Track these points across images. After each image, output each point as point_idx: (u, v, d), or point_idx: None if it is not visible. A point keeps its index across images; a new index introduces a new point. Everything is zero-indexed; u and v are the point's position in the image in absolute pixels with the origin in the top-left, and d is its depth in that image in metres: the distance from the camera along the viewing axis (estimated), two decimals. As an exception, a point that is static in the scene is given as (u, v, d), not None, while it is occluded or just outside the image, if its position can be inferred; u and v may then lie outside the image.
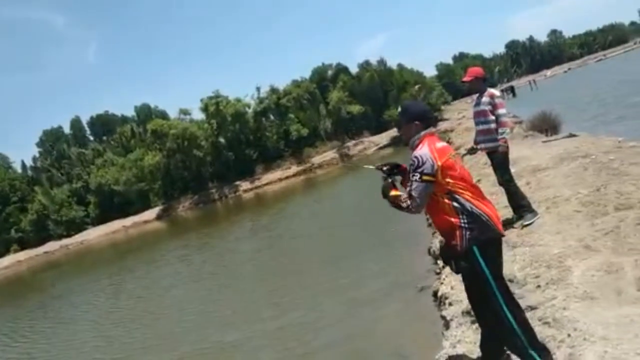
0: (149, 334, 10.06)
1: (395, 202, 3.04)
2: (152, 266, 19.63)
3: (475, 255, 2.89)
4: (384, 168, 3.23)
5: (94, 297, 16.65)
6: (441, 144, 3.03)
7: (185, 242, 24.23)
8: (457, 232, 2.90)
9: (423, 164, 2.89)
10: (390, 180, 3.14)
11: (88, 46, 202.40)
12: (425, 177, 2.88)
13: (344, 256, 11.01)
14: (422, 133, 3.05)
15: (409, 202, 2.97)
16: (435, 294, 6.28)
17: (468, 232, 2.88)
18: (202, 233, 25.66)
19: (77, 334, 11.89)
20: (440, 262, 7.03)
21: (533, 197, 6.31)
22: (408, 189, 2.99)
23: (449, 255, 3.06)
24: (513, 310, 2.94)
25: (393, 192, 3.06)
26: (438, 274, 6.99)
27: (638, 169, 6.29)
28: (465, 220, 2.89)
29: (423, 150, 2.94)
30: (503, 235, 3.06)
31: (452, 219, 2.91)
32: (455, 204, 2.91)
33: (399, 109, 3.25)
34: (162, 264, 19.39)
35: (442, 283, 6.02)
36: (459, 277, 3.25)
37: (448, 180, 2.90)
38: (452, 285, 5.31)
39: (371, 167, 3.51)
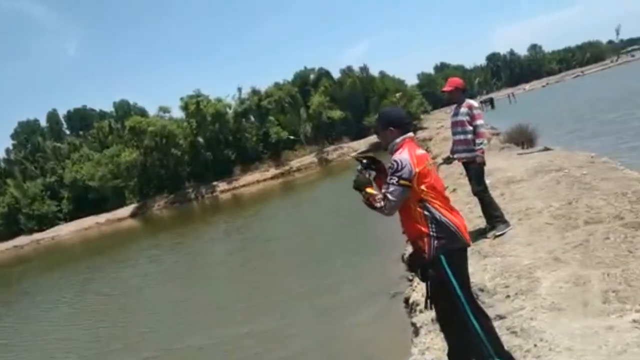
0: (113, 335, 9.79)
1: (369, 200, 3.03)
2: (122, 265, 19.26)
3: (442, 264, 2.91)
4: (364, 161, 3.22)
5: (59, 296, 16.18)
6: (420, 151, 3.04)
7: (158, 241, 23.86)
8: (426, 240, 2.92)
9: (402, 168, 2.89)
10: (367, 174, 3.13)
11: (69, 40, 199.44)
12: (402, 182, 2.88)
13: (319, 260, 10.98)
14: (401, 138, 3.06)
15: (383, 203, 2.95)
16: (406, 300, 6.30)
17: (436, 241, 2.90)
18: (176, 233, 25.25)
19: (40, 333, 11.50)
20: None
21: (506, 208, 6.37)
22: (384, 190, 2.98)
23: (417, 263, 3.07)
24: (479, 318, 2.97)
25: (369, 190, 3.03)
26: (410, 280, 7.01)
27: (608, 184, 6.41)
28: (435, 230, 2.91)
29: (403, 155, 2.94)
30: (469, 245, 3.09)
31: (422, 228, 2.93)
32: (426, 212, 2.92)
33: (377, 116, 3.28)
34: (133, 263, 19.03)
35: (413, 290, 6.04)
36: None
37: (422, 188, 2.91)
38: (424, 292, 5.31)
39: (352, 155, 3.51)
